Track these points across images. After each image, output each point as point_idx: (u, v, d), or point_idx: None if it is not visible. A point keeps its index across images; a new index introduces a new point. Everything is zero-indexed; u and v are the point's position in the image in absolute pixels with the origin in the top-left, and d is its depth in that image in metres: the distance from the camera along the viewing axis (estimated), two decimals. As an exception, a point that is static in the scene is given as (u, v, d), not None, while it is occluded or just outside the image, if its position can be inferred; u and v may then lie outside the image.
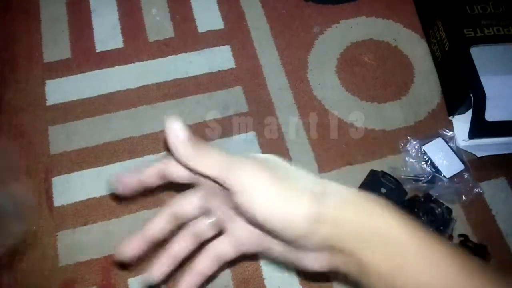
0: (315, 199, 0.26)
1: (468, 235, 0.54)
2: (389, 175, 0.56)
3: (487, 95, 0.56)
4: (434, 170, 0.57)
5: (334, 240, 0.26)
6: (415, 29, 0.69)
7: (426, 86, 0.65)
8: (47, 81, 0.62)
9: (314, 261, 0.29)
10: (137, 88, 0.62)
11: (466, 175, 0.57)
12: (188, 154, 0.28)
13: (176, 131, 0.28)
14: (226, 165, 0.28)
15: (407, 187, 0.56)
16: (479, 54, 0.59)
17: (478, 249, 0.53)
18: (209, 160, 0.28)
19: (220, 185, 0.28)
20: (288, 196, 0.26)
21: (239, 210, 0.28)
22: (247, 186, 0.27)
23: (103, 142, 0.59)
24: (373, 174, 0.56)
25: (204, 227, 0.32)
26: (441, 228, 0.52)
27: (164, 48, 0.65)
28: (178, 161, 0.29)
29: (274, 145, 0.59)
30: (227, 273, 0.52)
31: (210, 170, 0.28)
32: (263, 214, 0.26)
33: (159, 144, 0.59)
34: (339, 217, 0.26)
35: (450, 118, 0.61)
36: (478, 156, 0.57)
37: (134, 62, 0.64)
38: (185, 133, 0.28)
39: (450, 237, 0.52)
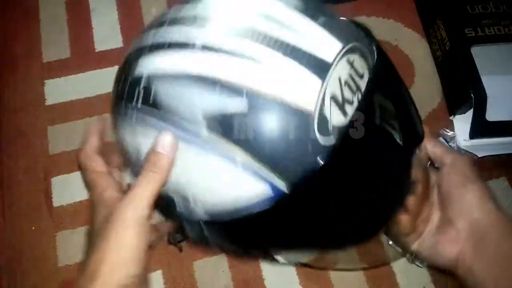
0: None
1: (469, 236, 0.54)
2: (390, 175, 0.55)
3: (488, 95, 0.56)
4: (434, 170, 0.56)
5: None
6: (416, 29, 0.68)
7: (427, 86, 0.64)
8: (46, 81, 0.62)
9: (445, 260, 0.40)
10: (136, 88, 0.61)
11: (467, 175, 0.56)
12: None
13: None
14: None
15: (408, 187, 0.56)
16: (480, 54, 0.59)
17: (479, 249, 0.53)
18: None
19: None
20: None
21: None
22: None
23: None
24: (373, 174, 0.56)
25: None
26: (442, 228, 0.51)
27: (163, 48, 0.65)
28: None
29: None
30: (227, 273, 0.52)
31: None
32: None
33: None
34: None
35: (451, 118, 0.61)
36: (479, 156, 0.57)
37: (133, 62, 0.64)
38: None
39: (451, 238, 0.52)
